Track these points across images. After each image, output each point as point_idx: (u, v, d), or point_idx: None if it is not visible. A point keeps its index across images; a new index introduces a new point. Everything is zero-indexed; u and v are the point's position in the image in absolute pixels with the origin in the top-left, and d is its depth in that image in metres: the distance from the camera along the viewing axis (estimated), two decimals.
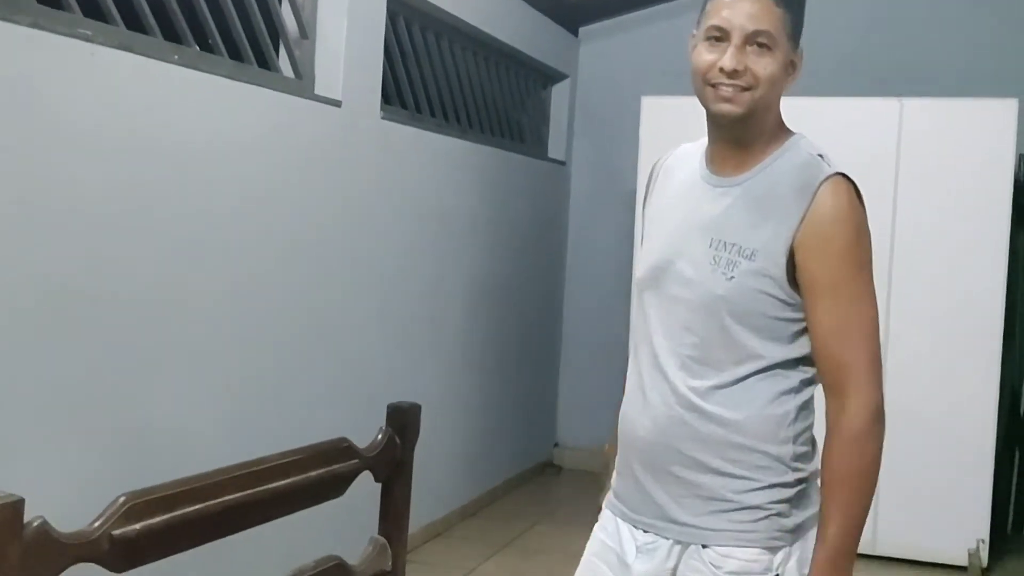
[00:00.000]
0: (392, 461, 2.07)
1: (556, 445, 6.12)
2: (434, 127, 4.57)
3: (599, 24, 6.05)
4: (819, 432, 1.73)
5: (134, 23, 2.85)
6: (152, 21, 2.90)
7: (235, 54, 3.31)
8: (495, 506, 5.15)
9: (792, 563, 1.68)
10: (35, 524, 1.38)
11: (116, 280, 2.72)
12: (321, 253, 3.64)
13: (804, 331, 1.68)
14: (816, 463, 1.73)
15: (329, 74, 3.69)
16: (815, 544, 1.66)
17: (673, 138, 1.98)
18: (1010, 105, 4.33)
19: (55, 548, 1.41)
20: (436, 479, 4.41)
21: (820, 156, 1.70)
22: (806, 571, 1.68)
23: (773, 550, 1.68)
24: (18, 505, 1.34)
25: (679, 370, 1.71)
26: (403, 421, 2.10)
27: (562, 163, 6.06)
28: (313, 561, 1.91)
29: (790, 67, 1.70)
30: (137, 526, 1.52)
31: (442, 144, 4.56)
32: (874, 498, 1.69)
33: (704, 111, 1.72)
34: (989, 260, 4.35)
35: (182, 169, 2.95)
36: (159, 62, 2.83)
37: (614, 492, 1.85)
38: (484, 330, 5.05)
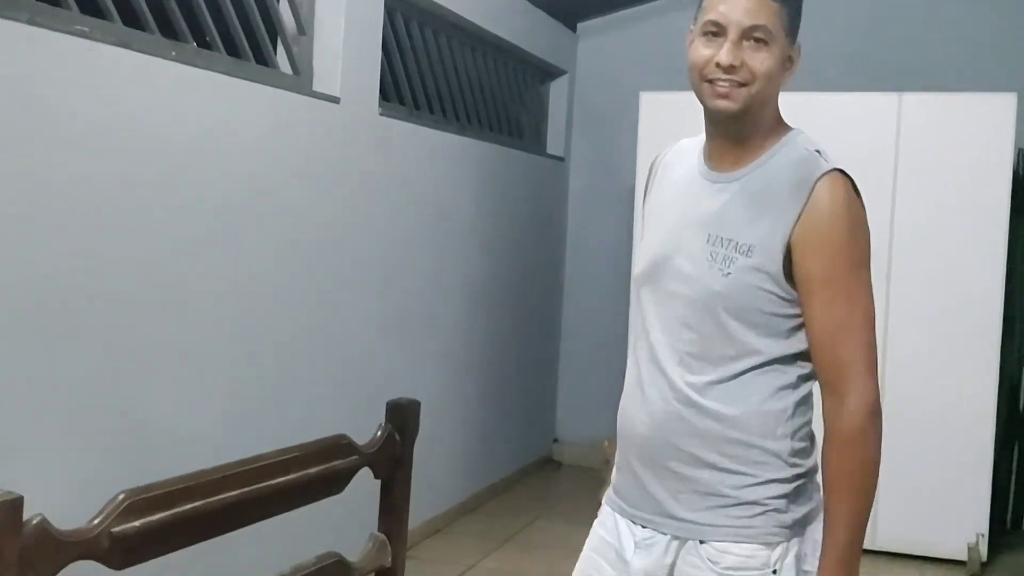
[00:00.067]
0: (392, 458, 2.07)
1: (555, 441, 6.13)
2: (432, 123, 4.57)
3: (597, 20, 6.05)
4: (817, 428, 1.73)
5: (132, 20, 2.84)
6: (150, 18, 2.90)
7: (233, 51, 3.31)
8: (495, 502, 5.15)
9: (790, 558, 1.68)
10: (34, 522, 1.38)
11: (114, 277, 2.72)
12: (320, 250, 3.64)
13: (802, 327, 1.67)
14: (815, 458, 1.73)
15: (327, 70, 3.69)
16: (823, 543, 1.66)
17: (672, 134, 1.98)
18: (1009, 99, 4.33)
19: (54, 546, 1.41)
20: (436, 475, 4.41)
21: (817, 152, 1.69)
22: (804, 567, 1.68)
23: (771, 545, 1.68)
24: (17, 503, 1.34)
25: (677, 366, 1.71)
26: (402, 417, 2.10)
27: (561, 159, 6.06)
28: (313, 558, 1.92)
29: (787, 62, 1.69)
30: (137, 523, 1.52)
31: (440, 140, 4.55)
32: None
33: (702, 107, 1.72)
34: (988, 254, 4.35)
35: (180, 166, 2.94)
36: (157, 59, 2.83)
37: (613, 488, 1.85)
38: (483, 326, 5.05)
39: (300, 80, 3.61)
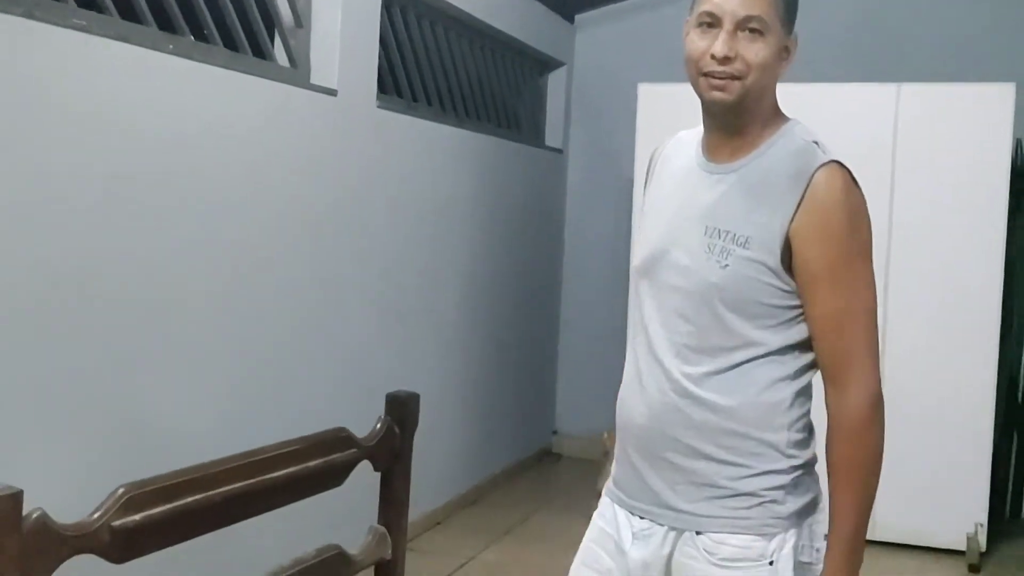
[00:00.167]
0: (391, 450, 2.07)
1: (555, 433, 6.13)
2: (430, 116, 4.56)
3: (595, 11, 6.04)
4: (817, 419, 1.74)
5: (128, 13, 2.84)
6: (147, 11, 2.89)
7: (230, 43, 3.30)
8: (494, 494, 5.16)
9: (787, 549, 1.68)
10: (34, 516, 1.39)
11: (111, 272, 2.72)
12: (318, 243, 3.64)
13: (801, 318, 1.67)
14: (812, 450, 1.73)
15: (324, 63, 3.68)
16: (829, 532, 1.67)
17: (670, 125, 1.98)
18: (1007, 89, 4.32)
19: (55, 539, 1.41)
20: (435, 468, 4.42)
21: (815, 143, 1.69)
22: (802, 558, 1.69)
23: (767, 537, 1.68)
24: (17, 497, 1.34)
25: (674, 357, 1.71)
26: (402, 410, 2.10)
27: (559, 151, 6.05)
28: (313, 550, 1.92)
29: (784, 52, 1.69)
30: (137, 517, 1.53)
31: (438, 133, 4.55)
32: None
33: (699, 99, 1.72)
34: (987, 244, 4.35)
35: (177, 160, 2.94)
36: (154, 52, 2.83)
37: (613, 479, 1.85)
38: (482, 318, 5.05)
39: (297, 73, 3.60)
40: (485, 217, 5.02)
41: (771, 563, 1.67)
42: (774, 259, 1.64)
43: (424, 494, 4.16)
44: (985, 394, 4.38)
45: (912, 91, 4.48)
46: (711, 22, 1.65)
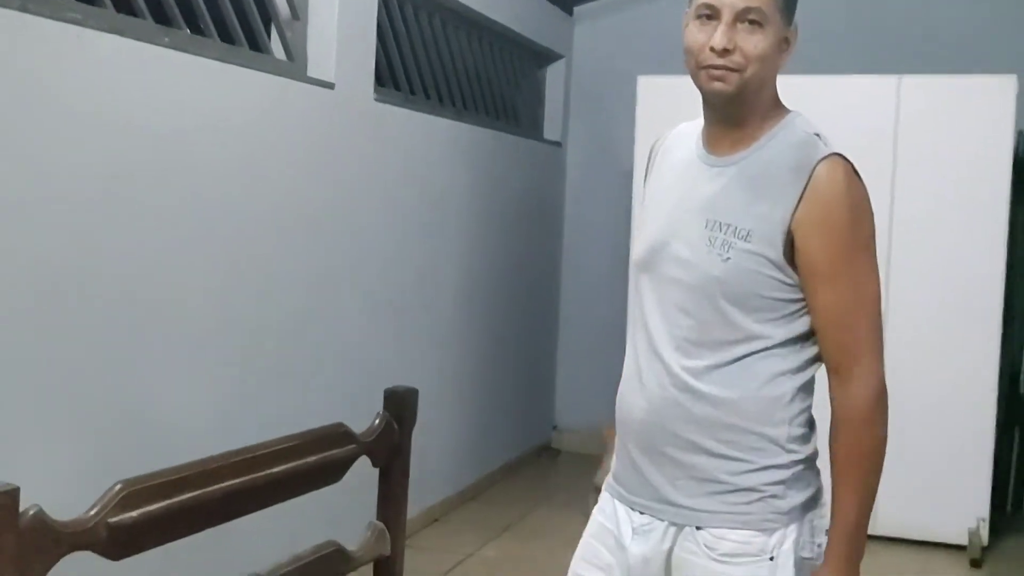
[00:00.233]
0: (390, 446, 2.06)
1: (554, 428, 6.13)
2: (428, 109, 4.55)
3: (594, 3, 6.01)
4: (818, 413, 1.72)
5: (124, 6, 2.83)
6: (142, 4, 2.88)
7: (226, 36, 3.29)
8: (494, 490, 5.15)
9: (787, 545, 1.67)
10: (31, 513, 1.38)
11: (107, 266, 2.71)
12: (315, 237, 3.63)
13: (803, 311, 1.66)
14: (813, 444, 1.72)
15: (321, 56, 3.66)
16: (831, 525, 1.66)
17: (670, 118, 1.97)
18: (1009, 81, 4.31)
19: (51, 536, 1.40)
20: (434, 463, 4.41)
21: (816, 135, 1.68)
22: (802, 553, 1.68)
23: (768, 532, 1.67)
24: (13, 494, 1.33)
25: (674, 351, 1.70)
26: (400, 406, 2.09)
27: (558, 144, 6.04)
28: (312, 547, 1.91)
29: (783, 44, 1.68)
30: (134, 513, 1.52)
31: (436, 126, 4.53)
32: None
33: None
34: (989, 236, 4.34)
35: (174, 153, 2.93)
36: (150, 46, 2.81)
37: (613, 474, 1.84)
38: (481, 313, 5.04)
39: (294, 66, 3.59)
40: (483, 210, 5.01)
41: (771, 558, 1.67)
42: (776, 252, 1.63)
43: (423, 490, 4.15)
44: (987, 388, 4.37)
45: (913, 83, 4.47)
46: (710, 14, 1.64)
